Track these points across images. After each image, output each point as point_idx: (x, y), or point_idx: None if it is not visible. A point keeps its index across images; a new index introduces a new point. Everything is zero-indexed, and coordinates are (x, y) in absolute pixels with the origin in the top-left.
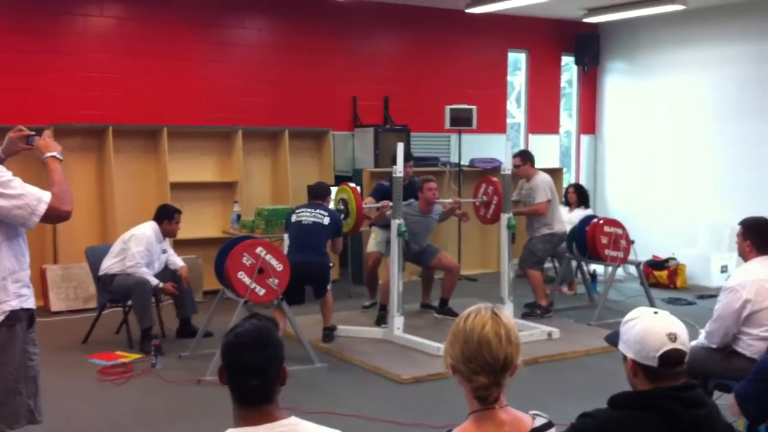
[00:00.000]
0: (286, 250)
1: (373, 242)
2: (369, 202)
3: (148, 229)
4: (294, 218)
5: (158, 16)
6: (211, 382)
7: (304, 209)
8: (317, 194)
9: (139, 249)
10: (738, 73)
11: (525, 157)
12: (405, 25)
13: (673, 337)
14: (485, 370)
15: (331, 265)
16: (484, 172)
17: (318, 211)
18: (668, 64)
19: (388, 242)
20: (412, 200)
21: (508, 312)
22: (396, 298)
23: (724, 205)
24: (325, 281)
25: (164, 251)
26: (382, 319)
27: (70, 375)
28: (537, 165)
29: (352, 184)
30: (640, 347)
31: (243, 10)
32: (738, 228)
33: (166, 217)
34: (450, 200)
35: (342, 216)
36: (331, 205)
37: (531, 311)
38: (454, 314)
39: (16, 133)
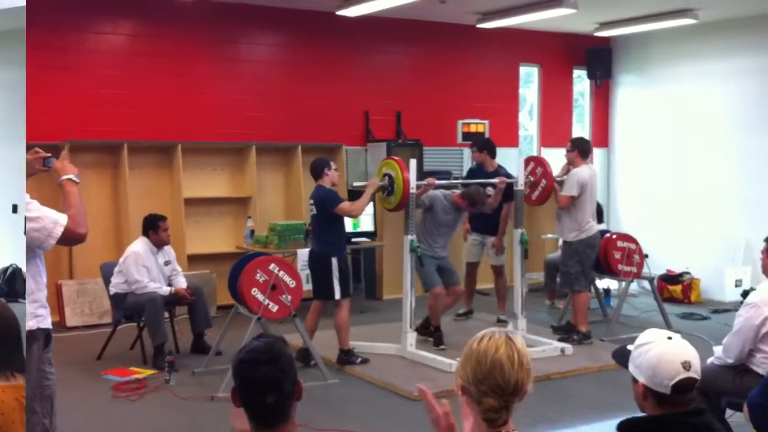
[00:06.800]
0: (299, 265)
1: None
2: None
3: (138, 245)
4: None
5: (171, 32)
6: (224, 399)
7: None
8: (312, 174)
9: (136, 268)
10: (750, 86)
11: (574, 144)
12: (416, 40)
13: (687, 366)
14: (495, 393)
15: (332, 256)
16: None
17: (311, 203)
18: (680, 78)
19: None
20: (448, 192)
21: (521, 327)
22: (408, 313)
23: (739, 218)
24: (318, 272)
25: (167, 262)
26: (439, 341)
27: (85, 391)
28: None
29: (398, 158)
30: (653, 374)
31: (255, 27)
32: (764, 244)
33: (150, 228)
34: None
35: (385, 193)
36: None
37: (567, 336)
38: (438, 342)
39: (33, 155)
